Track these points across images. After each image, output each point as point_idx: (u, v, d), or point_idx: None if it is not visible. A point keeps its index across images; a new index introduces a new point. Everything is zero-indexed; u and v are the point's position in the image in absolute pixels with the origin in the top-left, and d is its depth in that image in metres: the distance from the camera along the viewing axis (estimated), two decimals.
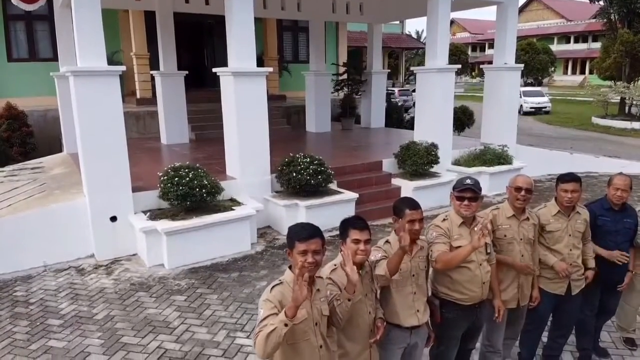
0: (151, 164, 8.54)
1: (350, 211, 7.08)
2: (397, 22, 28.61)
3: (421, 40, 40.83)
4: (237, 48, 6.82)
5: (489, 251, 3.16)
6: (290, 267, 2.42)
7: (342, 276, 2.49)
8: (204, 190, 6.19)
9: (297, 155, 7.21)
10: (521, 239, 3.37)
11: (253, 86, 7.02)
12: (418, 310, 2.94)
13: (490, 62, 10.62)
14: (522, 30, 46.70)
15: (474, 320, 3.21)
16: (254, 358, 4.01)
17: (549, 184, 9.73)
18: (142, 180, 6.96)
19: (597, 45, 41.80)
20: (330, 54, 17.60)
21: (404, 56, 37.30)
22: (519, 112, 17.73)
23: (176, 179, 6.13)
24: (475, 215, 3.15)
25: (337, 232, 2.73)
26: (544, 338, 3.96)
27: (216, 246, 6.24)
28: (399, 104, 19.23)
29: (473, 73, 59.65)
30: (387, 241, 2.95)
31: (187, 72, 10.98)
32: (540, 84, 44.75)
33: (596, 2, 27.26)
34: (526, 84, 39.99)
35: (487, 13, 19.77)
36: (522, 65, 10.87)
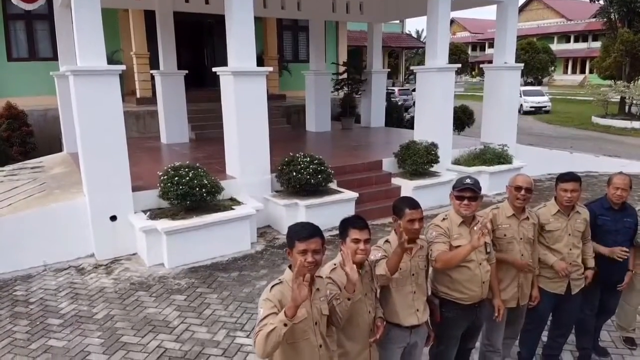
0: (151, 163, 8.55)
1: (350, 210, 7.08)
2: (397, 21, 28.59)
3: (421, 39, 40.81)
4: (237, 47, 6.82)
5: (488, 250, 3.16)
6: (290, 267, 2.42)
7: (341, 275, 2.50)
8: (204, 190, 6.19)
9: (297, 155, 7.21)
10: (521, 239, 3.37)
11: (253, 86, 7.02)
12: (418, 310, 2.94)
13: (490, 62, 10.63)
14: (522, 30, 46.70)
15: (474, 320, 3.21)
16: (254, 357, 4.01)
17: (548, 183, 9.72)
18: (142, 179, 6.96)
19: (597, 44, 41.83)
20: (330, 53, 17.59)
21: (404, 55, 37.28)
22: (519, 111, 17.73)
23: (176, 178, 6.13)
24: (475, 214, 3.15)
25: (337, 232, 2.73)
26: (544, 337, 3.97)
27: (216, 245, 6.25)
28: (399, 103, 19.23)
29: (473, 72, 59.62)
30: (387, 240, 2.94)
31: (187, 71, 10.98)
32: (540, 83, 44.74)
33: (596, 2, 27.29)
34: (526, 84, 39.99)
35: (487, 12, 19.81)
36: (522, 65, 10.87)
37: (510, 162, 9.39)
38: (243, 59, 6.86)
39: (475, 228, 3.01)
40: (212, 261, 6.16)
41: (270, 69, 7.60)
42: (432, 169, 8.59)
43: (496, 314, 3.26)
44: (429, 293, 3.16)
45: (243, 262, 6.17)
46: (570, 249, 3.52)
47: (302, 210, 6.95)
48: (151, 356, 4.14)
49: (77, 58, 5.81)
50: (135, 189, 6.42)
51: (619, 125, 22.08)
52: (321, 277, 2.52)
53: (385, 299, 2.93)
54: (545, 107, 28.82)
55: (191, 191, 6.08)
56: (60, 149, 10.91)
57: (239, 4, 6.69)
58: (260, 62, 12.14)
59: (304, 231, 2.35)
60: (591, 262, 3.65)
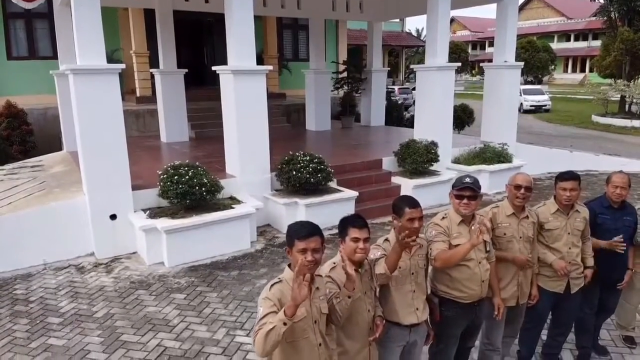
0: (151, 162, 8.54)
1: (350, 209, 7.08)
2: (397, 20, 28.60)
3: (421, 38, 40.83)
4: (237, 46, 6.81)
5: (488, 249, 3.16)
6: (289, 266, 2.42)
7: (341, 274, 2.50)
8: (203, 189, 6.19)
9: (297, 154, 7.21)
10: (521, 237, 3.37)
11: (253, 84, 7.02)
12: (417, 309, 2.94)
13: (491, 60, 10.63)
14: (522, 29, 46.69)
15: (473, 319, 3.21)
16: (254, 356, 4.01)
17: (548, 182, 9.72)
18: (142, 178, 6.96)
19: (597, 43, 41.80)
20: (330, 52, 17.58)
21: (404, 54, 37.27)
22: (519, 110, 17.74)
23: (176, 177, 6.13)
24: (474, 213, 3.15)
25: (337, 231, 2.73)
26: (544, 336, 3.97)
27: (216, 244, 6.25)
28: (399, 102, 19.19)
29: (473, 71, 59.61)
30: (386, 239, 2.94)
31: (186, 70, 10.98)
32: (540, 82, 44.73)
33: (596, 0, 27.25)
34: (526, 82, 40.01)
35: (488, 11, 19.83)
36: (522, 64, 10.87)
37: (510, 161, 9.39)
38: (243, 58, 6.85)
39: (473, 227, 3.01)
40: (212, 260, 6.17)
41: (270, 67, 7.60)
42: (432, 168, 8.60)
43: (496, 313, 3.27)
44: (429, 292, 3.16)
45: (243, 261, 6.17)
46: (570, 248, 3.52)
47: (302, 209, 6.95)
48: (151, 355, 4.14)
49: (77, 57, 5.80)
50: (135, 187, 6.42)
51: (619, 124, 22.06)
52: (320, 275, 2.52)
53: (385, 298, 2.93)
54: (545, 105, 28.80)
55: (191, 190, 6.08)
56: (60, 148, 10.91)
57: (238, 3, 6.69)
58: (260, 60, 12.11)
59: (303, 230, 2.35)
60: (590, 261, 3.65)
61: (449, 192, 3.21)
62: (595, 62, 29.80)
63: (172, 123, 10.94)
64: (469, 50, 57.75)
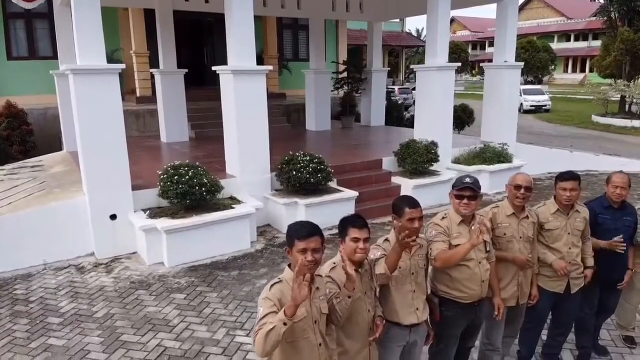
0: (151, 162, 8.54)
1: (350, 209, 7.08)
2: (397, 20, 28.59)
3: (421, 38, 40.83)
4: (237, 46, 6.81)
5: (488, 249, 3.16)
6: (289, 266, 2.42)
7: (341, 274, 2.49)
8: (203, 189, 6.19)
9: (297, 154, 7.21)
10: (520, 237, 3.37)
11: (253, 84, 7.02)
12: (417, 309, 2.94)
13: (491, 60, 10.62)
14: (522, 28, 46.69)
15: (473, 319, 3.21)
16: (254, 356, 4.01)
17: (548, 182, 9.72)
18: (142, 178, 6.96)
19: (597, 43, 41.80)
20: (330, 52, 17.58)
21: (404, 54, 37.28)
22: (519, 110, 17.75)
23: (176, 177, 6.13)
24: (474, 213, 3.15)
25: (337, 231, 2.73)
26: (544, 336, 3.97)
27: (216, 244, 6.25)
28: (399, 102, 19.18)
29: (473, 71, 59.62)
30: (386, 239, 2.94)
31: (186, 70, 10.98)
32: (540, 82, 44.73)
33: (596, 0, 27.23)
34: (526, 82, 40.00)
35: (488, 11, 19.83)
36: (522, 64, 10.87)
37: (510, 161, 9.39)
38: (243, 58, 6.85)
39: (473, 227, 3.01)
40: (212, 260, 6.17)
41: (270, 67, 7.60)
42: (432, 168, 8.60)
43: (496, 313, 3.27)
44: (429, 292, 3.16)
45: (243, 261, 6.17)
46: (570, 248, 3.52)
47: (301, 209, 6.95)
48: (151, 355, 4.14)
49: (77, 57, 5.80)
50: (135, 187, 6.42)
51: (619, 124, 22.06)
52: (320, 275, 2.52)
53: (385, 298, 2.93)
54: (545, 105, 28.80)
55: (191, 190, 6.08)
56: (60, 148, 10.91)
57: (238, 3, 6.69)
58: (260, 60, 12.10)
59: (303, 230, 2.35)
60: (590, 261, 3.65)
61: (449, 192, 3.21)
62: (595, 62, 29.80)
63: (172, 123, 10.94)
64: (469, 50, 57.74)
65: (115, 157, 6.12)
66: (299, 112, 14.22)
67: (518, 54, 12.93)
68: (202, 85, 14.87)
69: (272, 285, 2.35)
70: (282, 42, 17.18)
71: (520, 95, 25.54)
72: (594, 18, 37.41)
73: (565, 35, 54.93)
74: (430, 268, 3.13)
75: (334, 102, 14.58)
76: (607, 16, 25.86)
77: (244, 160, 7.14)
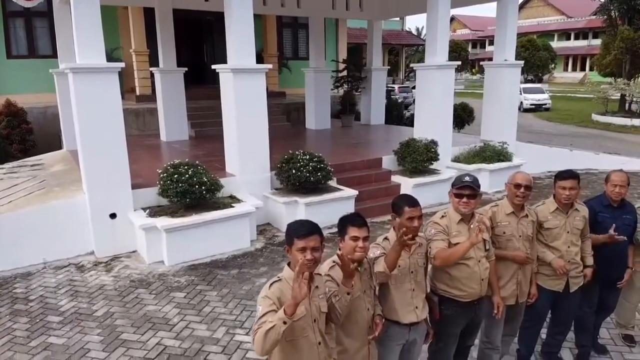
0: (151, 161, 8.54)
1: (349, 208, 7.07)
2: (397, 18, 28.57)
3: (421, 37, 40.82)
4: (237, 45, 6.81)
5: (487, 248, 3.16)
6: (289, 264, 2.42)
7: (340, 273, 2.49)
8: (203, 188, 6.19)
9: (297, 152, 7.21)
10: (520, 236, 3.37)
11: (252, 83, 7.01)
12: (417, 307, 2.94)
13: (491, 59, 10.62)
14: (522, 27, 46.60)
15: (473, 317, 3.21)
16: (253, 354, 4.02)
17: (548, 181, 9.71)
18: (142, 177, 6.96)
19: (598, 42, 41.75)
20: (330, 50, 17.57)
21: (404, 53, 37.27)
22: (519, 109, 17.74)
23: (175, 176, 6.13)
24: (474, 212, 3.15)
25: (337, 229, 2.73)
26: (543, 335, 3.97)
27: (216, 243, 6.25)
28: (399, 100, 19.16)
29: (473, 70, 59.59)
30: (385, 238, 2.95)
31: (186, 69, 10.98)
32: (540, 80, 44.73)
33: None
34: (526, 81, 39.99)
35: (488, 10, 19.82)
36: (522, 62, 10.86)
37: (510, 160, 9.39)
38: (242, 57, 6.85)
39: (472, 226, 3.01)
40: (212, 259, 6.17)
41: (270, 66, 7.60)
42: (431, 167, 8.60)
43: (495, 311, 3.27)
44: (428, 290, 3.16)
45: (243, 260, 6.17)
46: (569, 247, 3.52)
47: (301, 208, 6.95)
48: (151, 353, 4.14)
49: (77, 55, 5.80)
50: (134, 186, 6.42)
51: (619, 122, 22.05)
52: (320, 274, 2.52)
53: (384, 297, 2.93)
54: (545, 104, 28.80)
55: (191, 189, 6.08)
56: (59, 147, 10.91)
57: (238, 2, 6.68)
58: (259, 59, 12.12)
59: (302, 229, 2.34)
60: (590, 260, 3.65)
61: (449, 190, 3.21)
62: (595, 61, 29.79)
63: (172, 122, 10.93)
64: (469, 49, 57.80)
65: (115, 155, 6.12)
66: (298, 110, 14.21)
67: (518, 53, 12.92)
68: (201, 84, 14.86)
69: (271, 284, 2.35)
70: (282, 41, 17.17)
71: (520, 93, 25.53)
72: (594, 17, 37.42)
73: (565, 34, 54.89)
74: (429, 267, 3.13)
75: (333, 100, 14.57)
76: (607, 15, 25.84)
77: (244, 159, 7.14)
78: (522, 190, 3.32)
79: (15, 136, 11.04)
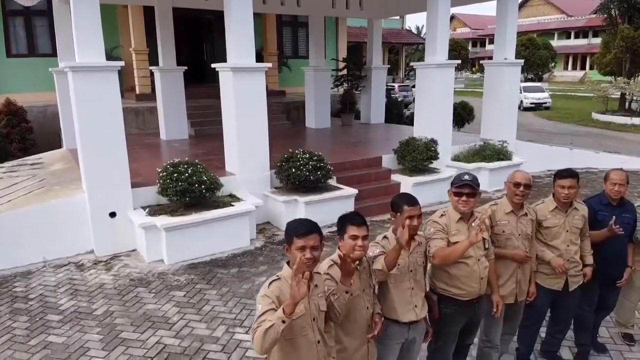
0: (150, 159, 8.54)
1: (349, 207, 7.07)
2: (397, 17, 28.58)
3: (421, 35, 40.78)
4: (236, 43, 6.81)
5: (487, 246, 3.16)
6: (288, 263, 2.42)
7: (339, 271, 2.49)
8: (203, 186, 6.18)
9: (297, 151, 7.21)
10: (519, 235, 3.37)
11: (252, 82, 7.01)
12: (416, 306, 2.95)
13: (491, 58, 10.60)
14: (522, 26, 46.62)
15: (472, 316, 3.21)
16: (253, 353, 4.02)
17: (548, 179, 9.71)
18: (141, 176, 6.96)
19: (598, 40, 41.69)
20: (330, 49, 17.56)
21: (404, 51, 37.27)
22: (519, 107, 17.72)
23: (175, 174, 6.13)
24: (473, 210, 3.15)
25: (336, 228, 2.73)
26: (542, 333, 3.97)
27: (215, 242, 6.25)
28: (399, 99, 19.15)
29: (473, 68, 59.58)
30: (385, 237, 2.95)
31: (186, 67, 10.97)
32: (540, 79, 44.72)
33: None
34: (526, 80, 39.99)
35: (488, 8, 19.81)
36: (522, 61, 10.84)
37: (509, 159, 9.39)
38: (242, 55, 6.85)
39: (473, 224, 3.01)
40: (212, 257, 6.17)
41: (270, 65, 7.59)
42: (431, 166, 8.60)
43: (494, 310, 3.27)
44: (427, 289, 3.16)
45: (242, 259, 6.17)
46: (568, 246, 3.52)
47: (301, 207, 6.95)
48: (150, 352, 4.15)
49: (76, 54, 5.79)
50: (134, 185, 6.42)
51: (619, 121, 22.04)
52: (319, 273, 2.52)
53: (384, 295, 2.93)
54: (545, 103, 28.79)
55: (190, 187, 6.08)
56: (59, 145, 10.91)
57: (238, 0, 6.67)
58: (259, 58, 12.14)
59: (302, 227, 2.34)
60: (589, 259, 3.65)
61: (448, 189, 3.21)
62: (595, 60, 29.78)
63: (172, 120, 10.93)
64: (469, 48, 57.78)
65: (115, 154, 6.12)
66: (298, 109, 14.20)
67: (518, 52, 12.91)
68: (201, 82, 14.85)
69: (270, 283, 2.35)
70: (282, 40, 17.16)
71: (520, 92, 25.52)
72: (594, 15, 37.38)
73: (565, 33, 54.85)
74: (429, 265, 3.13)
75: (333, 99, 14.56)
76: (607, 13, 25.81)
77: (244, 158, 7.14)
78: (521, 189, 3.32)
79: (15, 135, 11.03)
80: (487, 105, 10.41)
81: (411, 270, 2.93)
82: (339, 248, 2.66)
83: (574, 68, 54.50)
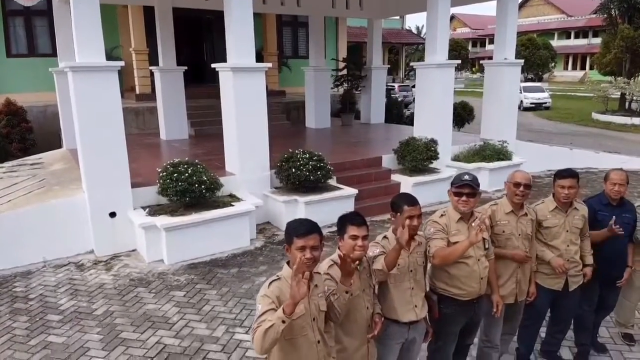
0: (150, 159, 8.53)
1: (349, 207, 7.07)
2: (397, 17, 28.58)
3: (421, 35, 40.78)
4: (236, 44, 6.81)
5: (487, 246, 3.16)
6: (288, 263, 2.42)
7: (339, 271, 2.49)
8: (203, 186, 6.18)
9: (297, 151, 7.21)
10: (519, 235, 3.37)
11: (252, 82, 7.01)
12: (416, 306, 2.95)
13: (491, 58, 10.60)
14: (522, 26, 46.63)
15: (472, 316, 3.21)
16: (253, 353, 4.02)
17: (548, 180, 9.71)
18: (141, 176, 6.96)
19: (598, 40, 41.69)
20: (330, 49, 17.56)
21: (404, 51, 37.27)
22: (519, 107, 17.72)
23: (175, 174, 6.13)
24: (473, 210, 3.15)
25: (336, 228, 2.73)
26: (542, 333, 3.97)
27: (215, 242, 6.25)
28: (399, 99, 19.15)
29: (473, 68, 59.58)
30: (385, 237, 2.95)
31: (186, 67, 10.97)
32: (540, 79, 44.72)
33: None
34: (526, 80, 39.99)
35: (488, 8, 19.81)
36: (522, 61, 10.84)
37: (509, 159, 9.39)
38: (242, 55, 6.85)
39: (473, 224, 3.01)
40: (212, 257, 6.17)
41: (270, 65, 7.59)
42: (431, 166, 8.60)
43: (494, 310, 3.27)
44: (427, 289, 3.16)
45: (242, 259, 6.18)
46: (568, 246, 3.52)
47: (301, 207, 6.95)
48: (150, 352, 4.15)
49: (76, 54, 5.79)
50: (134, 185, 6.42)
51: (619, 121, 22.05)
52: (319, 273, 2.52)
53: (384, 295, 2.93)
54: (545, 103, 28.80)
55: (190, 187, 6.08)
56: (59, 145, 10.91)
57: (238, 0, 6.67)
58: (259, 58, 12.14)
59: (302, 227, 2.34)
60: (589, 259, 3.65)
61: (448, 189, 3.21)
62: (595, 60, 29.78)
63: (172, 120, 10.93)
64: (469, 48, 57.78)
65: (115, 154, 6.12)
66: (298, 109, 14.20)
67: (518, 52, 12.91)
68: (201, 82, 14.85)
69: (270, 283, 2.35)
70: (282, 40, 17.15)
71: (520, 92, 25.52)
72: (594, 15, 37.38)
73: (565, 33, 54.85)
74: (429, 265, 3.13)
75: (333, 99, 14.56)
76: (607, 13, 25.81)
77: (244, 158, 7.14)
78: (521, 189, 3.32)
79: (15, 135, 11.03)
80: (487, 105, 10.41)
81: (411, 270, 2.93)
82: (339, 248, 2.66)
83: (574, 68, 54.51)
